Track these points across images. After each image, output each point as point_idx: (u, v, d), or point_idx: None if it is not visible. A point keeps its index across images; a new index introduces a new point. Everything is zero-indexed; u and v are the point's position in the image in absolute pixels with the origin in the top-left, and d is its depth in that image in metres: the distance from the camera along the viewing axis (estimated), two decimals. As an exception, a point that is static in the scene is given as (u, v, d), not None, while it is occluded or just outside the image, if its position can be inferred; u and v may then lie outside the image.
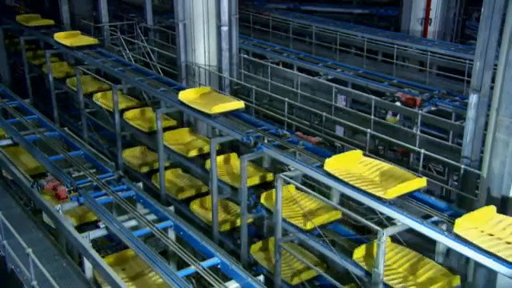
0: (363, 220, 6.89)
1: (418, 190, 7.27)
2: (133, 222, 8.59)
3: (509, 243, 6.11)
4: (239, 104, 10.28)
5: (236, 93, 15.13)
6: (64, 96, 16.26)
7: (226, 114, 10.13)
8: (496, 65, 7.78)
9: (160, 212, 8.86)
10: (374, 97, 14.23)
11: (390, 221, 6.90)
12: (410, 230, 6.87)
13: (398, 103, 13.89)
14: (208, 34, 14.29)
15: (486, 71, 9.11)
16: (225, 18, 13.99)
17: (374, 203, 7.01)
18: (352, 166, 7.75)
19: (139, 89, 12.41)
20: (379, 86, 15.50)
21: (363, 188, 7.11)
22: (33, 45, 17.75)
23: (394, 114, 14.37)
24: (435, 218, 6.81)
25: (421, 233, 6.61)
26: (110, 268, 7.33)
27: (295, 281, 8.73)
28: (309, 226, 7.95)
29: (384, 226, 6.66)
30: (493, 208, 6.77)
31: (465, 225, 6.38)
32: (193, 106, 10.34)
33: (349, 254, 7.48)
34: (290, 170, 8.42)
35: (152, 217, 8.86)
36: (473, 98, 9.39)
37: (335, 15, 26.56)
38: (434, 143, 12.48)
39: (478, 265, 6.59)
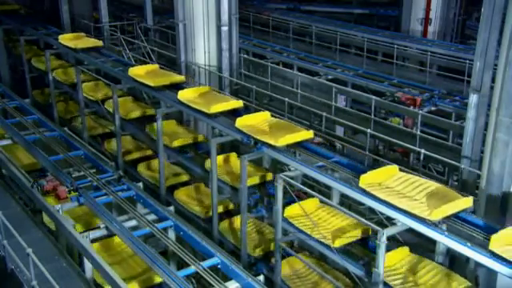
0: (363, 220, 6.89)
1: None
2: (133, 222, 8.60)
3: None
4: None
5: (236, 93, 15.14)
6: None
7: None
8: (496, 65, 7.78)
9: (160, 212, 8.86)
10: (374, 97, 14.24)
11: (390, 221, 6.90)
12: (410, 230, 6.86)
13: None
14: (208, 34, 14.30)
15: (486, 71, 9.11)
16: (225, 17, 13.99)
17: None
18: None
19: (138, 89, 12.39)
20: (379, 85, 15.51)
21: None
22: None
23: (398, 116, 14.39)
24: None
25: (421, 233, 6.60)
26: (110, 268, 7.33)
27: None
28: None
29: (384, 226, 6.65)
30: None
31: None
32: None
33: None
34: (290, 170, 8.42)
35: (152, 217, 8.86)
36: (473, 98, 9.40)
37: (335, 15, 26.54)
38: (434, 143, 12.48)
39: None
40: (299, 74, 16.88)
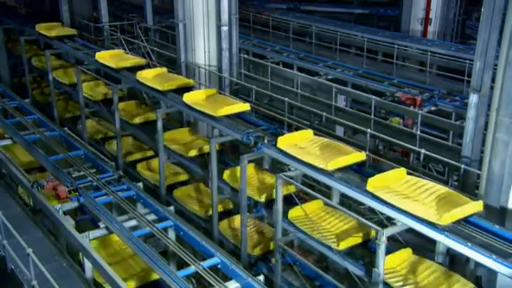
0: (363, 220, 6.89)
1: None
2: (133, 222, 8.60)
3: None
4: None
5: (236, 93, 15.13)
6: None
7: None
8: (496, 65, 7.78)
9: (160, 212, 8.86)
10: (374, 97, 14.23)
11: (390, 221, 6.90)
12: (410, 230, 6.87)
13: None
14: (208, 34, 14.28)
15: (486, 71, 9.11)
16: (225, 17, 13.98)
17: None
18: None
19: (138, 88, 12.42)
20: (379, 85, 15.50)
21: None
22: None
23: (398, 116, 14.38)
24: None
25: (421, 233, 6.61)
26: (109, 268, 7.33)
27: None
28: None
29: (384, 226, 6.66)
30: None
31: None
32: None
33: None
34: (290, 170, 8.43)
35: (152, 217, 8.86)
36: (473, 98, 9.40)
37: (335, 15, 26.55)
38: (434, 143, 12.48)
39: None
40: (299, 73, 16.87)
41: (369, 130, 12.32)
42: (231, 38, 14.42)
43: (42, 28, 15.53)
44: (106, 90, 13.64)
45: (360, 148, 8.66)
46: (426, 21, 20.81)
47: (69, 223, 8.44)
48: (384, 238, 6.46)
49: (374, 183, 7.00)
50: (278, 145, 8.26)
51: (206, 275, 7.09)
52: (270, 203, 8.96)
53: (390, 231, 6.66)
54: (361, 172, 7.73)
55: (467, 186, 10.08)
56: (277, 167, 9.81)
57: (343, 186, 7.34)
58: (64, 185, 9.21)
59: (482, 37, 8.94)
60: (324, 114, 14.02)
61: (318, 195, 7.80)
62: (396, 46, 18.53)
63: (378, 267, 6.59)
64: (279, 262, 8.45)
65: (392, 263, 7.04)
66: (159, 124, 10.72)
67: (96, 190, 9.38)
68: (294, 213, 8.17)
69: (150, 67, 12.46)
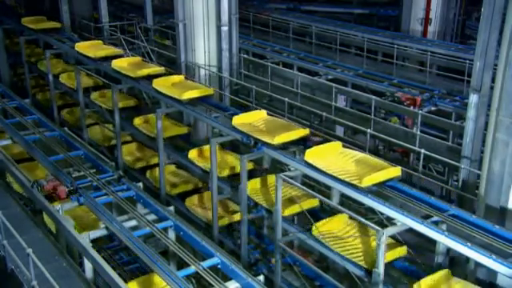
0: (363, 220, 6.89)
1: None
2: (133, 222, 8.59)
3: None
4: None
5: (236, 93, 15.14)
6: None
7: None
8: (496, 65, 7.78)
9: (160, 212, 8.86)
10: (374, 97, 14.24)
11: (390, 221, 6.91)
12: (410, 230, 6.87)
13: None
14: (208, 34, 14.30)
15: (486, 71, 9.13)
16: (225, 17, 14.00)
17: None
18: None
19: (138, 88, 12.42)
20: (379, 85, 15.50)
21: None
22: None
23: (398, 116, 14.39)
24: (435, 218, 6.81)
25: (420, 232, 6.61)
26: (109, 268, 7.33)
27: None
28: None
29: (384, 226, 6.66)
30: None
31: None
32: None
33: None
34: (290, 170, 8.43)
35: (152, 217, 8.85)
36: (473, 98, 9.41)
37: (335, 15, 26.54)
38: (434, 143, 12.48)
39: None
40: (299, 73, 16.87)
41: (369, 130, 12.33)
42: (231, 38, 14.44)
43: (27, 22, 15.91)
44: (86, 80, 14.04)
45: (360, 148, 8.67)
46: (426, 21, 20.80)
47: (69, 223, 8.44)
48: (384, 238, 6.46)
49: (312, 154, 7.95)
50: (233, 123, 9.22)
51: (205, 275, 7.09)
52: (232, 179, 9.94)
53: (390, 231, 6.67)
54: (304, 145, 8.59)
55: (467, 186, 10.10)
56: (277, 167, 9.82)
57: (284, 157, 8.38)
58: (64, 185, 9.20)
59: (481, 37, 8.95)
60: (324, 113, 14.03)
61: (318, 195, 7.81)
62: (396, 46, 18.52)
63: (377, 267, 6.59)
64: (279, 262, 8.45)
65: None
66: (159, 124, 10.72)
67: (96, 190, 9.37)
68: (253, 185, 9.27)
69: (126, 57, 13.07)
